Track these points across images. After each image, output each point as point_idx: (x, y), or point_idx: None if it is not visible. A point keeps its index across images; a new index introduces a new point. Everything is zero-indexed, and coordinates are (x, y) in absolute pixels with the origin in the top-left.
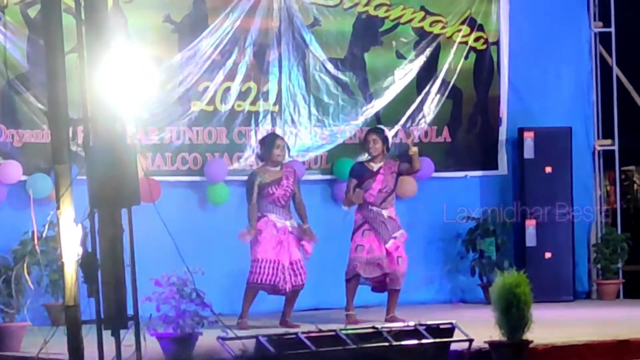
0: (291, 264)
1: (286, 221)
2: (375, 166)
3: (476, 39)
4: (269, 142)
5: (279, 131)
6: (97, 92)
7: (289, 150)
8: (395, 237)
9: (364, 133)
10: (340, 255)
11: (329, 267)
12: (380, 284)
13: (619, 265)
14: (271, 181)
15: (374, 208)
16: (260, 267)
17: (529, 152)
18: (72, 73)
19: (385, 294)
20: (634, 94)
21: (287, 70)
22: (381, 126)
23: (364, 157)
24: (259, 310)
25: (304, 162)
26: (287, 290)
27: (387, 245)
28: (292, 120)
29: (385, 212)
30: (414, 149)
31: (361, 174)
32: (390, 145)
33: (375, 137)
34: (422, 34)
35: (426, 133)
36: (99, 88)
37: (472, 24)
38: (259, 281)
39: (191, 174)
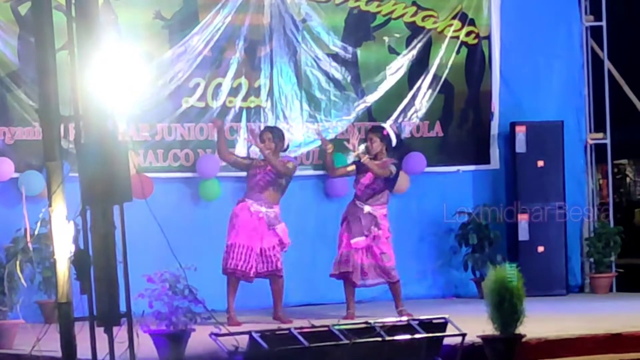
0: (261, 250)
1: (261, 207)
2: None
3: (467, 34)
4: (265, 132)
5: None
6: (88, 89)
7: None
8: (366, 235)
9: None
10: (333, 250)
11: (321, 263)
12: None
13: (612, 258)
14: (259, 164)
15: (358, 202)
16: (232, 252)
17: (521, 147)
18: (63, 70)
19: (385, 288)
20: (625, 87)
21: (278, 66)
22: (383, 124)
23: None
24: (251, 306)
25: (295, 158)
26: (251, 275)
27: (352, 241)
28: (284, 116)
29: (366, 208)
30: (364, 157)
31: (359, 165)
32: (392, 142)
33: (372, 136)
34: (414, 28)
35: (418, 128)
36: (90, 85)
37: (464, 18)
38: (232, 266)
39: (183, 170)
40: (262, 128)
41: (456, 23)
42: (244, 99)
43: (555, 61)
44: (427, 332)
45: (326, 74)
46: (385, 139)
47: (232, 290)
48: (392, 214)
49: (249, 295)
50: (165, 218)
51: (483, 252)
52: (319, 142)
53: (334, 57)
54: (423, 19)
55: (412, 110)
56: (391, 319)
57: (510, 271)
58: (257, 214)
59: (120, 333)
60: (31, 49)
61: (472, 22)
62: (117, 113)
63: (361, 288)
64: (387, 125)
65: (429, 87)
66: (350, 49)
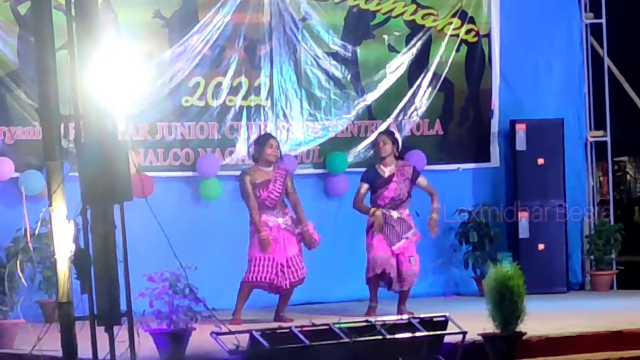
0: (288, 260)
1: (278, 219)
2: (386, 170)
3: (467, 32)
4: (262, 141)
5: (270, 125)
6: (87, 89)
7: (280, 151)
8: (406, 237)
9: (374, 136)
10: (333, 249)
11: (321, 261)
12: (387, 284)
13: (613, 256)
14: (260, 183)
15: (384, 210)
16: (256, 266)
17: (521, 144)
18: (62, 69)
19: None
20: (625, 84)
21: (278, 65)
22: (392, 129)
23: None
24: (253, 305)
25: (296, 157)
26: (286, 287)
27: (394, 247)
28: (284, 115)
29: (394, 214)
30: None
31: (374, 179)
32: (400, 147)
33: (385, 138)
34: (413, 27)
35: (418, 126)
36: (90, 84)
37: (463, 16)
38: (256, 279)
39: (183, 170)
40: (263, 127)
41: (456, 21)
42: (244, 97)
43: (555, 59)
44: (428, 330)
45: (326, 72)
46: (396, 142)
47: (244, 297)
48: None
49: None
50: (165, 217)
51: (483, 250)
52: (318, 141)
53: (334, 55)
54: (423, 17)
55: (412, 108)
56: (392, 317)
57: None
58: (276, 225)
59: (121, 332)
60: (31, 48)
61: (471, 20)
62: (117, 112)
63: (360, 286)
64: (393, 128)
65: (429, 85)
66: (350, 47)
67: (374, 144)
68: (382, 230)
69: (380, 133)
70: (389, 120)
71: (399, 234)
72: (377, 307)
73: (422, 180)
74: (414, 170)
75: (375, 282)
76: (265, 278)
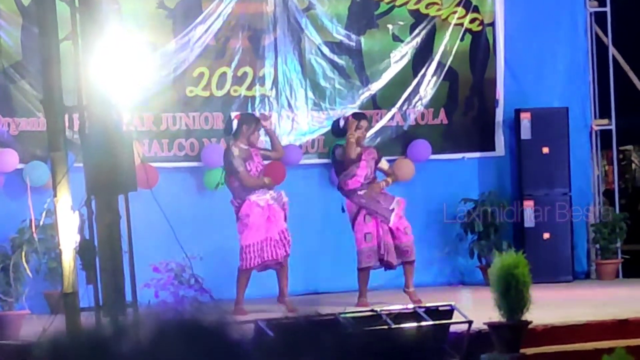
0: (279, 234)
1: (265, 195)
2: (357, 150)
3: (471, 21)
4: (255, 123)
5: (275, 115)
6: (91, 80)
7: None
8: (392, 209)
9: (344, 118)
10: (338, 238)
11: (327, 251)
12: (389, 264)
13: (618, 244)
14: (245, 157)
15: (362, 192)
16: (248, 253)
17: (525, 133)
18: (66, 60)
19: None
20: (630, 73)
21: (282, 55)
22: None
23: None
24: (254, 295)
25: (300, 146)
26: (281, 257)
27: (391, 224)
28: (289, 105)
29: (373, 190)
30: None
31: (341, 158)
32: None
33: (365, 122)
34: (417, 16)
35: (423, 115)
36: (94, 75)
37: (468, 5)
38: (249, 266)
39: (188, 160)
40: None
41: (460, 10)
42: (249, 87)
43: (559, 47)
44: (434, 320)
45: (330, 62)
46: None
47: (244, 284)
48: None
49: (251, 285)
50: (170, 208)
51: (489, 239)
52: (323, 130)
53: (338, 45)
54: (427, 6)
55: (417, 97)
56: (397, 307)
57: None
58: (266, 203)
59: None
60: (34, 39)
61: (476, 9)
62: (121, 103)
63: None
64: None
65: (434, 75)
66: (354, 37)
67: (351, 127)
68: (372, 213)
69: (359, 116)
70: (394, 109)
71: (387, 208)
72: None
73: (384, 162)
74: (378, 152)
75: (367, 275)
76: (256, 263)
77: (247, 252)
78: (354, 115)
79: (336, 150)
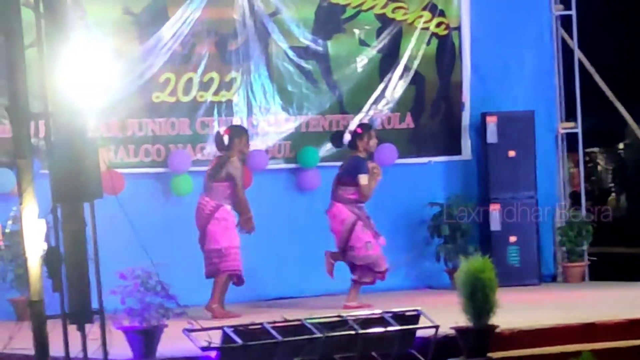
0: (238, 247)
1: (229, 206)
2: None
3: (437, 25)
4: (244, 134)
5: (238, 121)
6: (57, 86)
7: None
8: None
9: (353, 128)
10: (303, 244)
11: (293, 256)
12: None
13: (584, 247)
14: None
15: (360, 205)
16: (235, 254)
17: (492, 137)
18: (32, 67)
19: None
20: (596, 76)
21: (249, 60)
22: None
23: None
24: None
25: (267, 151)
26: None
27: (380, 241)
28: (256, 110)
29: (365, 208)
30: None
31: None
32: None
33: (373, 133)
34: (384, 20)
35: (389, 119)
36: (60, 82)
37: (434, 9)
38: (236, 267)
39: (155, 166)
40: (234, 122)
41: (426, 14)
42: (215, 93)
43: (525, 51)
44: (400, 325)
45: (297, 66)
46: None
47: (226, 289)
48: (365, 206)
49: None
50: (136, 214)
51: (455, 243)
52: (290, 135)
53: (305, 50)
54: (393, 10)
55: (383, 101)
56: (364, 312)
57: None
58: (232, 214)
59: (93, 330)
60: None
61: (442, 13)
62: (87, 109)
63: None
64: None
65: (400, 79)
66: (320, 41)
67: (362, 138)
68: (367, 226)
69: (367, 127)
70: (361, 114)
71: (373, 227)
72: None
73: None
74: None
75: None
76: (240, 267)
77: (232, 253)
78: (364, 126)
79: (355, 162)
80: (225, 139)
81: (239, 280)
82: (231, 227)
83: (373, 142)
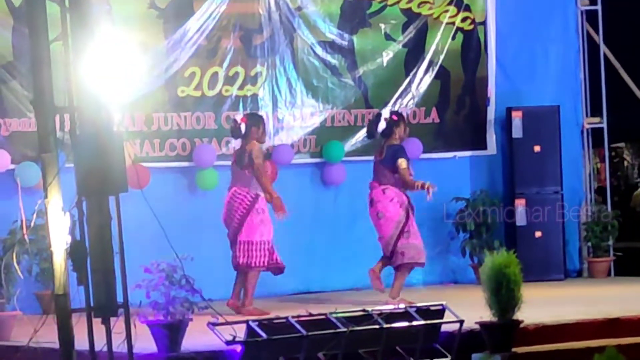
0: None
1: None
2: None
3: (463, 20)
4: (263, 122)
5: (264, 115)
6: (82, 80)
7: None
8: None
9: (384, 120)
10: (330, 238)
11: (319, 250)
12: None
13: (610, 242)
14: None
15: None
16: (263, 250)
17: (517, 132)
18: (57, 61)
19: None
20: (621, 71)
21: (274, 54)
22: (389, 110)
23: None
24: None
25: (292, 146)
26: (282, 264)
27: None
28: (281, 104)
29: None
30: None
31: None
32: None
33: (404, 122)
34: (409, 15)
35: (414, 114)
36: (85, 76)
37: (459, 4)
38: (264, 263)
39: (180, 160)
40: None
41: (452, 9)
42: (240, 87)
43: (551, 46)
44: (425, 319)
45: (323, 61)
46: None
47: (256, 281)
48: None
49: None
50: (162, 208)
51: (480, 238)
52: (316, 130)
53: (331, 44)
54: (419, 5)
55: (409, 96)
56: (389, 307)
57: None
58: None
59: (118, 324)
60: (25, 40)
61: (467, 8)
62: (112, 103)
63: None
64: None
65: (425, 73)
66: (346, 36)
67: (399, 126)
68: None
69: (401, 114)
70: (387, 109)
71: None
72: None
73: None
74: None
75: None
76: (268, 261)
77: (263, 248)
78: (399, 114)
79: (394, 148)
80: (243, 127)
81: (278, 270)
82: (267, 220)
83: (407, 130)
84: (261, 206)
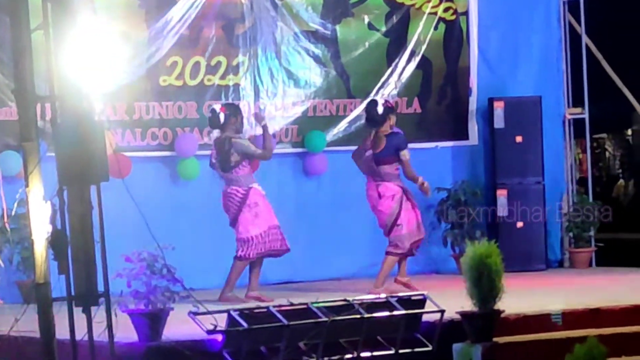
0: (277, 226)
1: (259, 185)
2: None
3: (445, 10)
4: (239, 112)
5: (245, 105)
6: (63, 69)
7: None
8: None
9: (382, 105)
10: (312, 227)
11: (301, 240)
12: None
13: (591, 233)
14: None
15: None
16: (256, 242)
17: (499, 122)
18: (38, 50)
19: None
20: (603, 62)
21: (257, 44)
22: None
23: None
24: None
25: (274, 135)
26: (283, 248)
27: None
28: (263, 94)
29: None
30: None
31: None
32: None
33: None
34: (392, 5)
35: (396, 104)
36: (66, 65)
37: None
38: (253, 255)
39: (161, 149)
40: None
41: None
42: (222, 77)
43: (533, 36)
44: (406, 309)
45: (305, 50)
46: None
47: (240, 273)
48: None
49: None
50: (143, 197)
51: (462, 228)
52: (297, 120)
53: (313, 34)
54: None
55: (391, 86)
56: (370, 296)
57: None
58: (264, 194)
59: (99, 313)
60: (6, 29)
61: None
62: (94, 93)
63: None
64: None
65: (407, 64)
66: (329, 25)
67: (391, 116)
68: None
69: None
70: (368, 99)
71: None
72: None
73: None
74: None
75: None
76: (262, 250)
77: (256, 241)
78: (390, 102)
79: (395, 139)
80: (222, 116)
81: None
82: (261, 212)
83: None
84: (254, 200)
